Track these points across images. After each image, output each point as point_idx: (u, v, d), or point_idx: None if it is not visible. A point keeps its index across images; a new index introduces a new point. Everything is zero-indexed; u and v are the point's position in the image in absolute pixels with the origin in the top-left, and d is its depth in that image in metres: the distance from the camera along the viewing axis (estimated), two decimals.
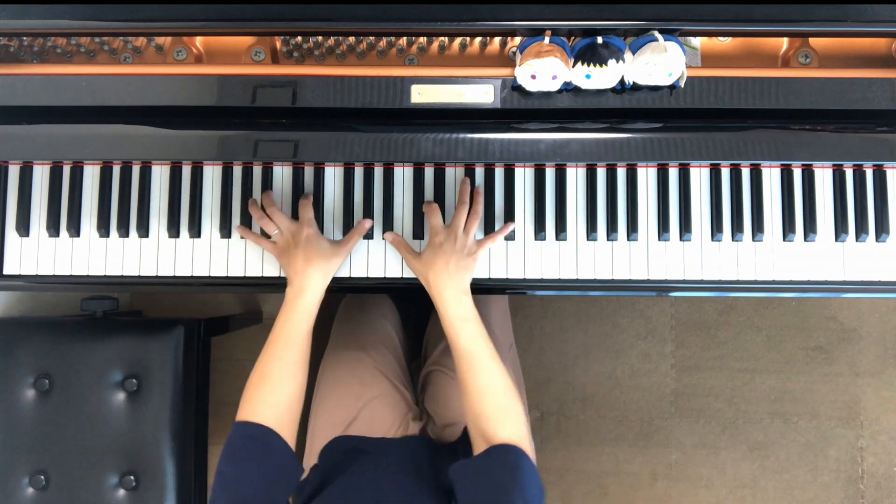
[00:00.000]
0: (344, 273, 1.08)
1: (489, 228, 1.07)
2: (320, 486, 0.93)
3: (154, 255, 1.08)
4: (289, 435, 0.91)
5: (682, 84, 0.93)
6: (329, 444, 1.10)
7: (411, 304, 1.45)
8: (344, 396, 1.15)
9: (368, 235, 1.08)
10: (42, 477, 1.28)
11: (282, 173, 1.09)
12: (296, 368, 0.94)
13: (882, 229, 1.07)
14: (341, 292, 1.11)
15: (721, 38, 1.04)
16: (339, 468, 0.99)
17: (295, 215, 1.07)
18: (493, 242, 1.04)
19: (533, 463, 0.86)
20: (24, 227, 1.08)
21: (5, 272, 1.08)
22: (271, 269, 1.08)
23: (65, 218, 1.08)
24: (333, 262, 1.00)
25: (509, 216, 1.07)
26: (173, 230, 1.08)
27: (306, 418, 1.19)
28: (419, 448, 1.06)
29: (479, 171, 1.09)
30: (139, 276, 1.08)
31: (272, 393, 0.91)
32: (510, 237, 1.07)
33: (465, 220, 1.02)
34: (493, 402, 0.91)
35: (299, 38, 1.01)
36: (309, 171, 1.09)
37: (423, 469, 0.98)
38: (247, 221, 1.08)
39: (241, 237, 1.07)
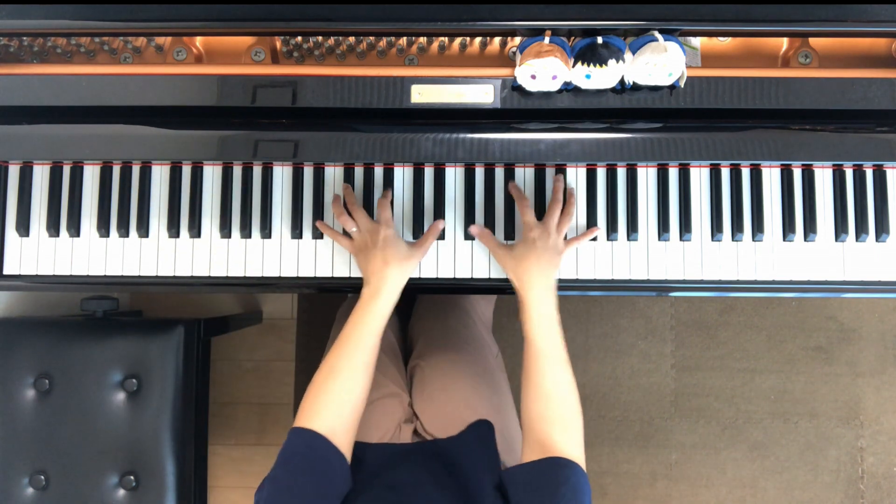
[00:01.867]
0: (344, 274, 1.08)
1: (489, 229, 1.07)
2: None
3: (154, 255, 1.08)
4: (347, 441, 0.89)
5: (682, 84, 0.93)
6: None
7: (405, 302, 1.44)
8: None
9: None
10: (42, 477, 1.28)
11: (282, 173, 1.09)
12: (365, 370, 0.93)
13: (882, 229, 1.07)
14: (341, 293, 1.11)
15: (721, 38, 1.04)
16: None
17: (296, 217, 1.07)
18: (579, 243, 1.05)
19: (588, 482, 0.84)
20: (24, 227, 1.08)
21: (5, 272, 1.08)
22: (271, 270, 1.08)
23: (65, 218, 1.08)
24: (411, 264, 1.00)
25: (509, 216, 1.07)
26: (173, 230, 1.08)
27: None
28: (420, 453, 1.05)
29: (479, 171, 1.09)
30: (139, 276, 1.08)
31: (337, 393, 0.90)
32: (511, 237, 1.07)
33: (559, 218, 1.02)
34: (559, 407, 0.89)
35: (299, 38, 1.01)
36: (309, 172, 1.09)
37: (427, 475, 0.97)
38: (247, 221, 1.08)
39: (321, 231, 1.07)
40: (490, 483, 0.88)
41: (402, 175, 1.09)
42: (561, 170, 1.08)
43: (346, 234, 1.04)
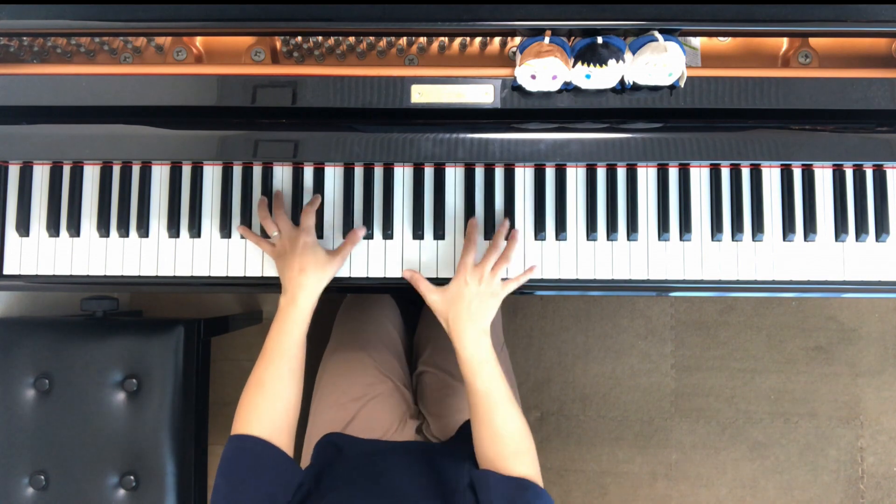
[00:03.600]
0: (344, 273, 1.08)
1: (489, 229, 1.07)
2: (314, 487, 0.92)
3: (154, 255, 1.08)
4: (286, 443, 0.91)
5: (682, 84, 0.93)
6: (321, 440, 1.09)
7: (412, 304, 1.45)
8: (343, 396, 1.15)
9: (368, 235, 1.08)
10: (42, 477, 1.28)
11: (282, 173, 1.09)
12: (291, 377, 0.94)
13: (882, 229, 1.07)
14: (341, 292, 1.11)
15: (721, 38, 1.04)
16: (333, 468, 0.99)
17: (296, 218, 1.07)
18: (517, 284, 1.03)
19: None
20: (24, 227, 1.08)
21: (5, 272, 1.08)
22: (271, 270, 1.08)
23: (65, 218, 1.08)
24: (327, 272, 1.00)
25: (509, 216, 1.07)
26: (173, 230, 1.08)
27: (305, 418, 1.19)
28: (412, 451, 1.06)
29: (479, 171, 1.09)
30: (139, 276, 1.08)
31: (267, 403, 0.91)
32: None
33: (495, 262, 1.01)
34: (512, 442, 0.92)
35: (299, 38, 1.01)
36: (309, 171, 1.09)
37: (418, 474, 0.98)
38: (247, 221, 1.08)
39: (242, 236, 1.07)
40: (466, 479, 0.91)
41: (402, 175, 1.09)
42: (561, 169, 1.08)
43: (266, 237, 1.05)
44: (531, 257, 1.07)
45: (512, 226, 1.07)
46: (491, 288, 0.98)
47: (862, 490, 1.88)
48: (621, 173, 1.08)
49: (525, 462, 0.90)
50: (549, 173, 1.09)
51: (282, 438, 0.90)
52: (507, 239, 1.04)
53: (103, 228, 1.08)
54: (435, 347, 1.25)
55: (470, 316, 0.96)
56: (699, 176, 1.08)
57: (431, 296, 1.00)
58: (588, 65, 0.89)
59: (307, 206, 1.05)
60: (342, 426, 1.11)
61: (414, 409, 1.19)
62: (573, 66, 0.90)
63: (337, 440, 1.08)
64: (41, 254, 1.08)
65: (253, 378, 0.94)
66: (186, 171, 1.09)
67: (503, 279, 1.02)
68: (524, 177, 1.09)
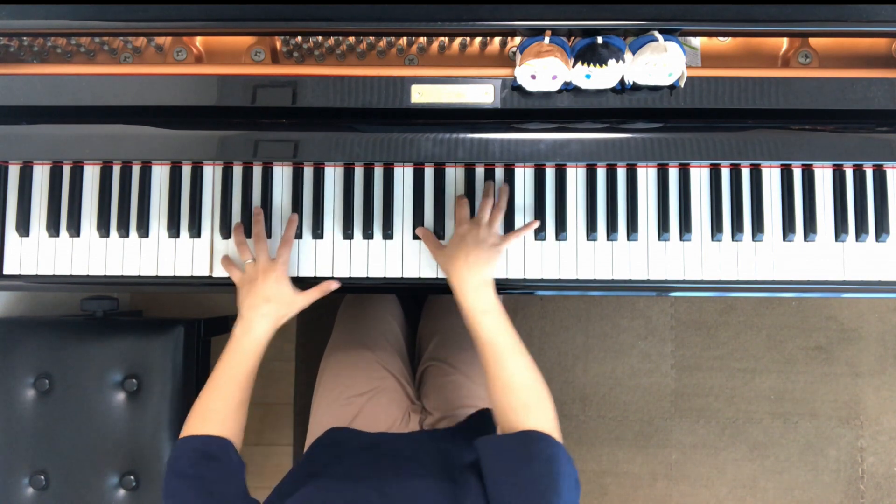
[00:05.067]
0: (344, 273, 1.08)
1: None
2: (305, 481, 0.92)
3: (154, 255, 1.08)
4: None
5: (682, 84, 0.93)
6: (319, 439, 1.09)
7: (414, 299, 1.45)
8: (346, 393, 1.15)
9: (368, 236, 1.08)
10: (42, 477, 1.28)
11: (282, 173, 1.09)
12: (238, 407, 0.93)
13: (882, 229, 1.07)
14: (341, 292, 1.11)
15: (721, 38, 1.04)
16: (327, 463, 0.98)
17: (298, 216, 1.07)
18: (517, 237, 1.03)
19: (568, 455, 0.83)
20: (24, 227, 1.08)
21: (5, 272, 1.08)
22: None
23: (65, 218, 1.08)
24: (292, 309, 1.00)
25: (509, 216, 1.07)
26: (173, 230, 1.08)
27: (306, 416, 1.19)
28: (417, 438, 1.06)
29: (479, 171, 1.09)
30: (139, 276, 1.08)
31: (212, 430, 0.90)
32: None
33: (490, 212, 1.02)
34: (524, 394, 0.89)
35: (299, 38, 1.01)
36: (309, 171, 1.09)
37: (423, 456, 0.97)
38: (247, 221, 1.08)
39: (222, 265, 1.05)
40: (470, 457, 0.87)
41: (402, 175, 1.09)
42: (561, 169, 1.08)
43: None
44: (531, 257, 1.07)
45: (512, 226, 1.07)
46: (490, 239, 0.98)
47: (862, 490, 1.88)
48: (621, 173, 1.08)
49: (537, 415, 0.87)
50: (549, 173, 1.09)
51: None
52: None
53: (103, 228, 1.08)
54: (438, 342, 1.25)
55: (468, 266, 0.95)
56: (699, 176, 1.08)
57: (437, 253, 1.02)
58: (588, 65, 0.89)
59: (286, 234, 1.04)
60: (345, 423, 1.11)
61: (417, 405, 1.19)
62: (573, 66, 0.90)
63: (338, 436, 1.08)
64: (41, 254, 1.08)
65: (199, 406, 0.92)
66: (186, 171, 1.09)
67: (503, 235, 1.02)
68: (524, 177, 1.09)
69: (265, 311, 0.96)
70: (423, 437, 1.05)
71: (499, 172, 1.08)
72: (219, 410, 0.92)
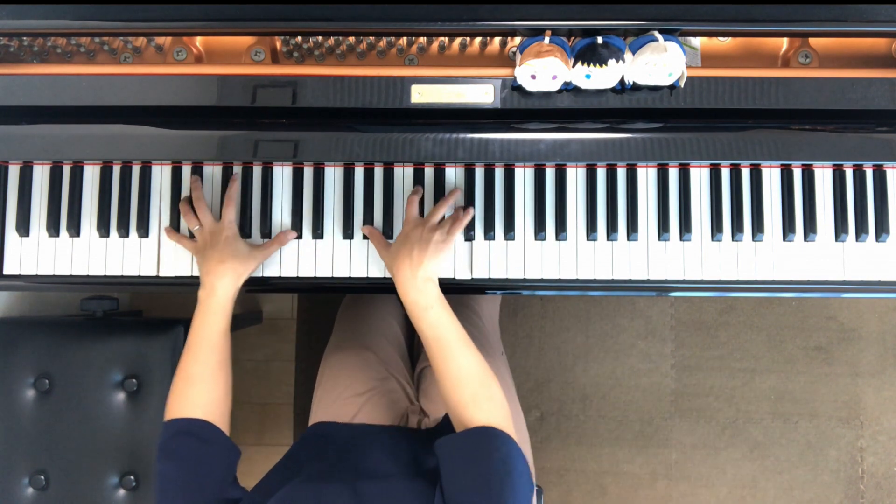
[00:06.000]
0: (344, 273, 1.08)
1: (488, 228, 1.07)
2: (292, 476, 0.92)
3: (154, 255, 1.08)
4: (223, 429, 0.91)
5: (682, 84, 0.93)
6: (306, 432, 1.09)
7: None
8: (345, 392, 1.15)
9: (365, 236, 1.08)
10: (42, 477, 1.28)
11: (282, 173, 1.09)
12: (218, 368, 0.94)
13: (882, 229, 1.07)
14: (341, 292, 1.11)
15: (721, 38, 1.04)
16: (308, 460, 0.97)
17: (296, 216, 1.07)
18: (460, 225, 1.03)
19: (521, 451, 0.83)
20: (24, 227, 1.08)
21: (5, 272, 1.08)
22: (271, 270, 1.08)
23: (65, 218, 1.08)
24: (248, 265, 1.00)
25: (509, 216, 1.07)
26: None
27: (306, 416, 1.19)
28: (396, 435, 1.06)
29: (479, 171, 1.09)
30: (139, 276, 1.08)
31: (199, 395, 0.91)
32: (510, 237, 1.07)
33: (449, 224, 1.02)
34: (468, 388, 0.88)
35: (299, 38, 1.01)
36: (309, 171, 1.09)
37: (401, 454, 0.97)
38: (246, 221, 1.08)
39: (169, 238, 1.07)
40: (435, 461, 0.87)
41: (403, 175, 1.09)
42: (561, 169, 1.08)
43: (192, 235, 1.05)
44: (531, 257, 1.07)
45: (512, 226, 1.07)
46: (434, 236, 0.98)
47: (862, 490, 1.88)
48: (621, 173, 1.08)
49: (488, 407, 0.86)
50: (549, 173, 1.09)
51: (217, 424, 0.91)
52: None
53: (103, 228, 1.08)
54: None
55: (411, 263, 0.95)
56: (699, 176, 1.08)
57: (382, 251, 1.02)
58: (588, 65, 0.89)
59: (227, 198, 1.05)
60: (346, 421, 1.11)
61: (416, 405, 1.19)
62: (573, 66, 0.90)
63: (324, 430, 1.08)
64: (41, 254, 1.08)
65: (179, 373, 0.93)
66: (187, 171, 1.09)
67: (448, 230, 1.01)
68: (524, 177, 1.09)
69: (222, 271, 0.97)
70: (406, 436, 1.05)
71: (499, 172, 1.08)
72: (198, 374, 0.92)
